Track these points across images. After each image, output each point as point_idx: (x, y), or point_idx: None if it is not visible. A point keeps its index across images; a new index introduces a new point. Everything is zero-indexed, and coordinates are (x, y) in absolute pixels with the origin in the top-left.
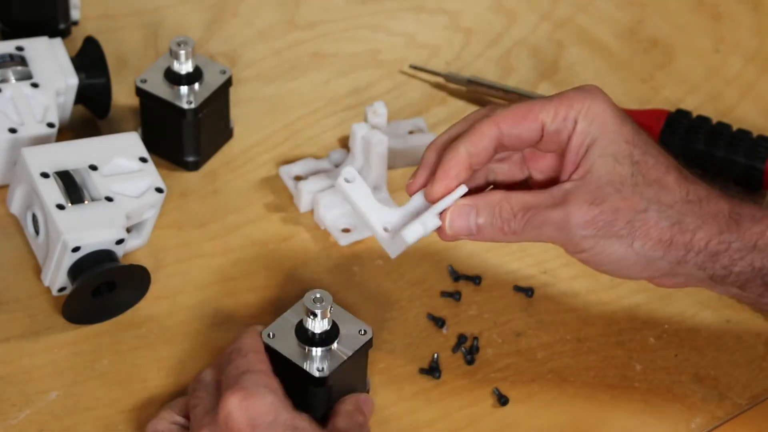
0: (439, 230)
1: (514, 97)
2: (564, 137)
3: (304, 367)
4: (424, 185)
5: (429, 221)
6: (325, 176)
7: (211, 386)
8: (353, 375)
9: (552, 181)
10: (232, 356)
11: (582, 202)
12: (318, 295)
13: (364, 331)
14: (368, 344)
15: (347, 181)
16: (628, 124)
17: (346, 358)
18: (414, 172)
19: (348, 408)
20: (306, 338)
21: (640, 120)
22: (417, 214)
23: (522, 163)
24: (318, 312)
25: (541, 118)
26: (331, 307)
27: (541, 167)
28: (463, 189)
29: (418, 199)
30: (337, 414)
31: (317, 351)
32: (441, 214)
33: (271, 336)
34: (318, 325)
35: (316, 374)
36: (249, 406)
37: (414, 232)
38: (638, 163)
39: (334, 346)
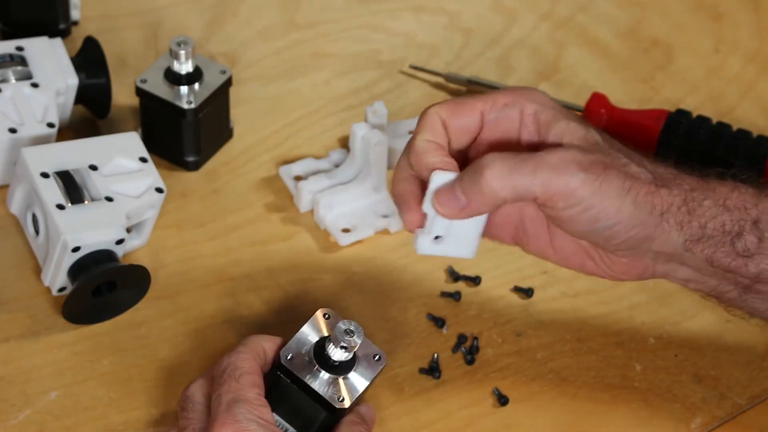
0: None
1: None
2: (509, 126)
3: (324, 396)
4: (419, 218)
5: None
6: (325, 176)
7: (200, 406)
8: (362, 397)
9: None
10: (225, 377)
11: (575, 150)
12: (351, 328)
13: (379, 356)
14: (382, 370)
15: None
16: (577, 118)
17: (364, 388)
18: (401, 213)
19: (351, 419)
20: (325, 364)
21: (640, 120)
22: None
23: None
24: (346, 345)
25: (478, 106)
26: (360, 342)
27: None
28: (438, 173)
29: (437, 177)
30: (340, 426)
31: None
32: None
33: (288, 358)
34: (340, 355)
35: (337, 405)
36: None
37: (423, 245)
38: (601, 137)
39: (351, 374)
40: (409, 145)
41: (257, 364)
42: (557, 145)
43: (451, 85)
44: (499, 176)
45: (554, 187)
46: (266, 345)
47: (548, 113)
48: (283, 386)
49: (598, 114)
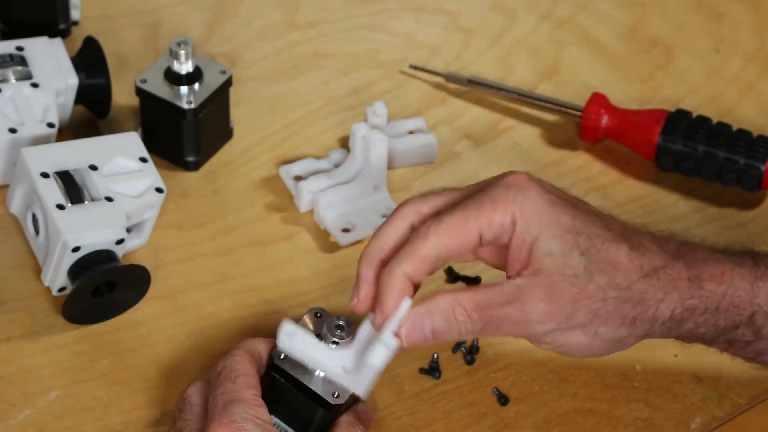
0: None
1: (513, 96)
2: (504, 240)
3: (319, 392)
4: (370, 303)
5: (389, 341)
6: (325, 176)
7: (197, 407)
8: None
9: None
10: (221, 378)
11: (538, 300)
12: (342, 323)
13: None
14: None
15: (289, 336)
16: (566, 210)
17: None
18: (354, 290)
19: (347, 419)
20: None
21: (640, 120)
22: (368, 341)
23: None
24: (338, 340)
25: (477, 229)
26: (353, 338)
27: (483, 257)
28: (409, 302)
29: (366, 327)
30: (336, 426)
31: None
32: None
33: (282, 357)
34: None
35: (332, 402)
36: None
37: (381, 355)
38: (587, 251)
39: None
40: (395, 264)
41: (253, 366)
42: (537, 268)
43: (451, 85)
44: (471, 321)
45: (519, 335)
46: (261, 347)
47: (532, 232)
48: (278, 386)
49: (598, 114)
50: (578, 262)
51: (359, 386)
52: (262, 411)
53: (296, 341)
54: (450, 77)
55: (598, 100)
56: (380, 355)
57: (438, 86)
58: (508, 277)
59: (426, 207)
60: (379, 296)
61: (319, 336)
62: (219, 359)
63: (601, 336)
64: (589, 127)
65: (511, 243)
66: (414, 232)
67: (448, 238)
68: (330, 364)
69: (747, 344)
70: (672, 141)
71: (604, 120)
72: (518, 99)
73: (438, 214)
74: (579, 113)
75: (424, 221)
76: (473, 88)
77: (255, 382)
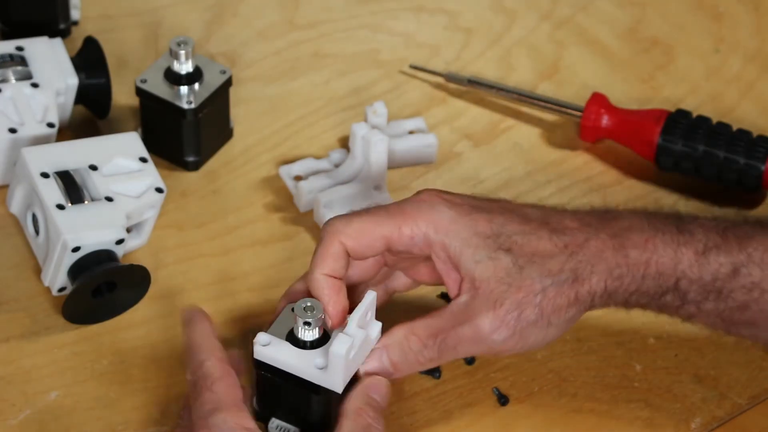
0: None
1: (513, 96)
2: (420, 254)
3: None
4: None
5: (352, 330)
6: (325, 176)
7: (186, 420)
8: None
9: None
10: (198, 388)
11: (485, 311)
12: (309, 304)
13: None
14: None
15: (263, 345)
16: (480, 216)
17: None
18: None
19: (355, 405)
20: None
21: (640, 120)
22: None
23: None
24: (311, 320)
25: (381, 234)
26: (322, 315)
27: (422, 278)
28: (373, 294)
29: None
30: (343, 416)
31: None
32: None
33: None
34: (309, 334)
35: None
36: None
37: (342, 342)
38: (510, 249)
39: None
40: (309, 270)
41: (227, 366)
42: (471, 279)
43: (451, 85)
44: (426, 348)
45: (479, 353)
46: (207, 332)
47: (454, 247)
48: (267, 383)
49: (597, 114)
50: (506, 261)
51: (333, 381)
52: (244, 416)
53: (270, 350)
54: (450, 77)
55: (598, 100)
56: (341, 342)
57: (438, 86)
58: (453, 298)
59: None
60: (324, 304)
61: (293, 332)
62: (187, 370)
63: (554, 324)
64: (589, 127)
65: (435, 261)
66: (323, 230)
67: (353, 239)
68: (304, 366)
69: (677, 309)
70: (672, 141)
71: (604, 120)
72: (518, 99)
73: (350, 216)
74: (579, 113)
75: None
76: (473, 88)
77: (233, 382)
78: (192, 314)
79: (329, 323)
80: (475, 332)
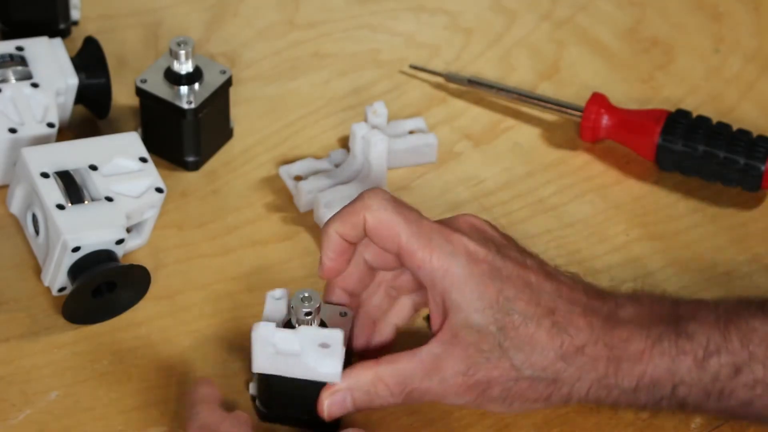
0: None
1: (513, 96)
2: (419, 280)
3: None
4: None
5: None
6: (325, 176)
7: None
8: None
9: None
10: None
11: (455, 373)
12: (306, 294)
13: (345, 312)
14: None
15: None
16: (493, 283)
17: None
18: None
19: None
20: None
21: (640, 120)
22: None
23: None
24: (309, 310)
25: (400, 244)
26: (320, 305)
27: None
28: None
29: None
30: None
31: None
32: (318, 401)
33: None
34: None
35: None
36: None
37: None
38: (504, 328)
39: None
40: (327, 222)
41: (221, 410)
42: (454, 335)
43: (451, 85)
44: (392, 395)
45: (443, 403)
46: (206, 391)
47: (454, 298)
48: (275, 383)
49: (598, 114)
50: (495, 338)
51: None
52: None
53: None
54: (450, 77)
55: (598, 100)
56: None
57: (438, 86)
58: (432, 332)
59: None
60: (321, 251)
61: (291, 313)
62: (187, 417)
63: (516, 408)
64: (589, 127)
65: (429, 297)
66: (362, 194)
67: (375, 223)
68: (303, 369)
69: (674, 413)
70: (672, 141)
71: (604, 120)
72: (518, 99)
73: (390, 201)
74: (579, 113)
75: None
76: (473, 88)
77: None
78: (199, 381)
79: (320, 273)
80: (441, 390)
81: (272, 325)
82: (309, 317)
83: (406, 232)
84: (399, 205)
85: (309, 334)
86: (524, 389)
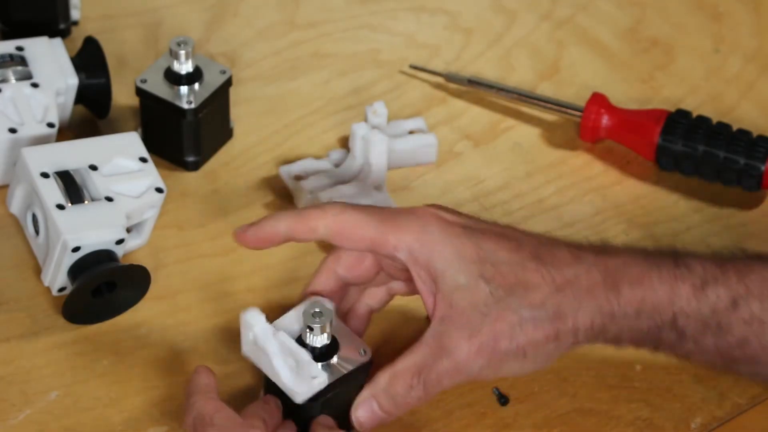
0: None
1: (513, 96)
2: (401, 265)
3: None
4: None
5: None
6: (325, 176)
7: None
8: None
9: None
10: (199, 430)
11: (461, 340)
12: (317, 309)
13: (364, 351)
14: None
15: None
16: (469, 240)
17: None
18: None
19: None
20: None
21: (640, 120)
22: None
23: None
24: (317, 327)
25: (370, 237)
26: (332, 321)
27: (398, 291)
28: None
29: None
30: None
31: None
32: (350, 416)
33: None
34: (317, 340)
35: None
36: None
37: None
38: (492, 278)
39: (334, 360)
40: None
41: (216, 400)
42: (448, 303)
43: (451, 85)
44: (413, 388)
45: (462, 382)
46: (203, 381)
47: (435, 267)
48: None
49: (598, 114)
50: (485, 291)
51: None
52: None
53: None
54: (450, 77)
55: (598, 100)
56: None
57: (438, 86)
58: (428, 318)
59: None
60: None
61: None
62: (184, 412)
63: (530, 359)
64: (589, 127)
65: (414, 279)
66: (311, 207)
67: (341, 226)
68: (273, 372)
69: (674, 346)
70: (672, 141)
71: (604, 120)
72: (518, 99)
73: (352, 206)
74: (579, 113)
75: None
76: (473, 88)
77: (232, 414)
78: (197, 369)
79: (239, 237)
80: (453, 366)
81: (262, 316)
82: (312, 332)
83: (372, 223)
84: (355, 206)
85: (285, 342)
86: (530, 332)
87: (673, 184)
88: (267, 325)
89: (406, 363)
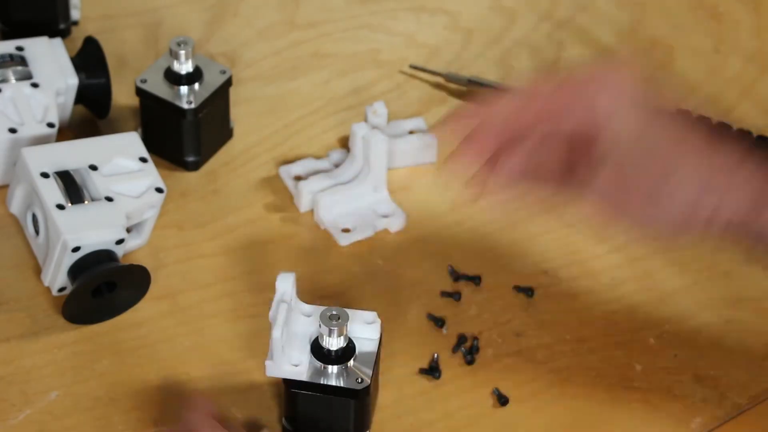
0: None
1: None
2: (583, 128)
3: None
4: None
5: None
6: (325, 176)
7: None
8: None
9: None
10: None
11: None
12: (334, 312)
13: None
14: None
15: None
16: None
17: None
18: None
19: None
20: (328, 358)
21: None
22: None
23: None
24: (335, 329)
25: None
26: (346, 325)
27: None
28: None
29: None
30: None
31: (333, 369)
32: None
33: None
34: (334, 342)
35: (359, 388)
36: None
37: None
38: (659, 137)
39: (351, 363)
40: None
41: (212, 419)
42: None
43: (452, 85)
44: None
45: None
46: (199, 402)
47: (611, 109)
48: (303, 401)
49: None
50: (650, 140)
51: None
52: None
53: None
54: (450, 77)
55: None
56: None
57: (438, 86)
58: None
59: None
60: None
61: (321, 332)
62: None
63: (665, 211)
64: None
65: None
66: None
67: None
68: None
69: None
70: None
71: None
72: None
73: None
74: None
75: None
76: (473, 88)
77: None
78: (194, 397)
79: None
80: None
81: (291, 278)
82: (331, 336)
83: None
84: None
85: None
86: (674, 186)
87: None
88: (292, 291)
89: None
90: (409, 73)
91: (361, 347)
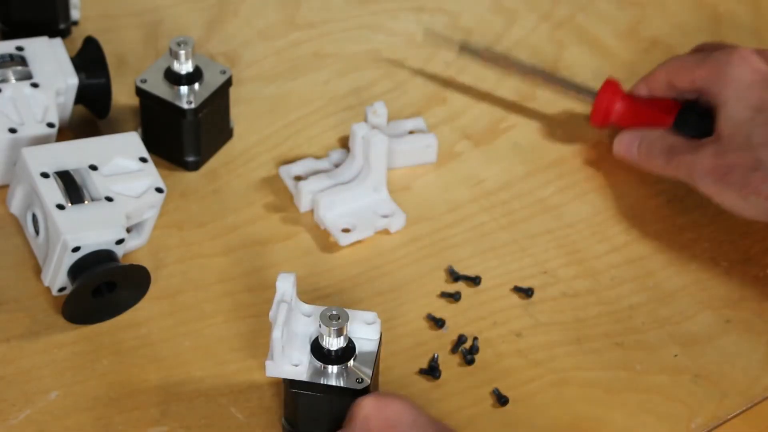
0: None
1: (528, 71)
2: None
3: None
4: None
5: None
6: (325, 176)
7: None
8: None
9: None
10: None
11: (708, 154)
12: (334, 312)
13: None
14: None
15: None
16: (759, 89)
17: (375, 354)
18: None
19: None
20: (328, 358)
21: (652, 110)
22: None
23: None
24: (335, 329)
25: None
26: (346, 324)
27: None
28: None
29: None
30: None
31: (333, 369)
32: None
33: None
34: (334, 342)
35: (360, 387)
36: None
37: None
38: (760, 126)
39: (351, 363)
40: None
41: (417, 412)
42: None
43: (452, 83)
44: (663, 153)
45: (689, 182)
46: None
47: (723, 98)
48: (304, 401)
49: (614, 94)
50: (747, 132)
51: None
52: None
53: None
54: (464, 46)
55: (612, 84)
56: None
57: (438, 86)
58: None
59: None
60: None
61: (321, 332)
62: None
63: (749, 202)
64: (602, 109)
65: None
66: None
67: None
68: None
69: None
70: (684, 133)
71: (618, 104)
72: (531, 77)
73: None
74: (591, 97)
75: None
76: (488, 63)
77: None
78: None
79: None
80: (691, 162)
81: (291, 278)
82: (331, 336)
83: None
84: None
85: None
86: (758, 182)
87: (674, 184)
88: (292, 291)
89: (670, 139)
90: (410, 67)
91: (361, 347)
